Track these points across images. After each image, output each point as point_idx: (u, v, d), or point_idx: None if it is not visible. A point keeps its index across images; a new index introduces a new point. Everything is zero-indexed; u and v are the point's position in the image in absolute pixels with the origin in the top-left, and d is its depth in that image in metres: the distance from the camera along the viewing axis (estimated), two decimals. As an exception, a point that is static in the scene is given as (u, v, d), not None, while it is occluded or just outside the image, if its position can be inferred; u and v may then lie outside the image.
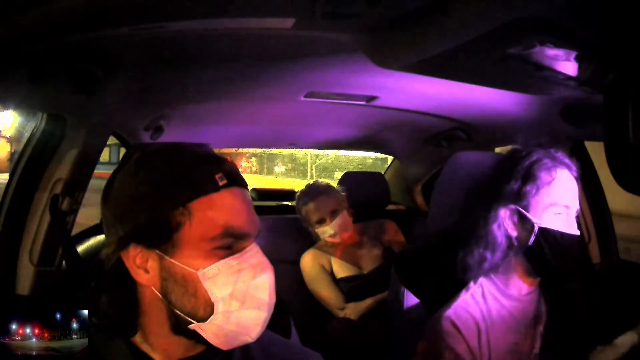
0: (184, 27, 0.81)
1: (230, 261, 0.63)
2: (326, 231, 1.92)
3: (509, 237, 1.00)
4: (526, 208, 0.98)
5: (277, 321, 0.89)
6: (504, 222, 0.99)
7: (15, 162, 1.17)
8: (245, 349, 0.72)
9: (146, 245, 0.63)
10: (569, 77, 0.88)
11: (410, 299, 1.22)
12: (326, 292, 1.92)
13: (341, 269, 1.97)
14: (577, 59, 0.79)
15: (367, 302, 1.84)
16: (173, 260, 0.62)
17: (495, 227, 1.00)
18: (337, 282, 1.95)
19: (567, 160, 1.01)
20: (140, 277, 0.64)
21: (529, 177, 0.98)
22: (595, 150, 1.51)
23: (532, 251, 0.98)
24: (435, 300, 1.06)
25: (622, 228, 1.67)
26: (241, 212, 0.65)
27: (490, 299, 1.01)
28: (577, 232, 0.98)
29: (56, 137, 1.15)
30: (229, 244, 0.63)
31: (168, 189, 0.62)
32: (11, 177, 1.14)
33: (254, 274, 0.64)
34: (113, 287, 0.65)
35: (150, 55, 1.05)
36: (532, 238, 0.97)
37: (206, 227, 0.62)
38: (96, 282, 0.66)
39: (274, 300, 0.66)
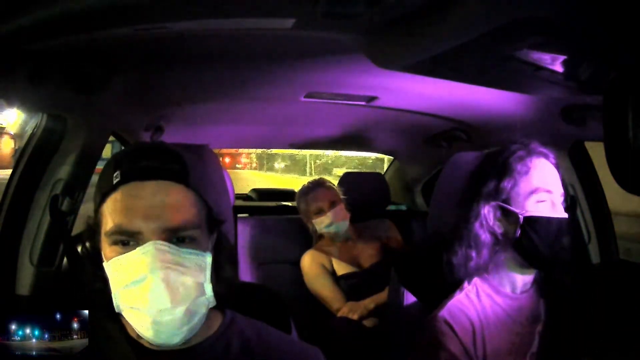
0: (184, 27, 0.81)
1: (116, 259, 0.64)
2: (324, 221, 1.96)
3: (493, 234, 1.00)
4: (507, 202, 0.98)
5: (277, 320, 0.89)
6: (487, 220, 0.99)
7: (16, 162, 1.17)
8: (244, 342, 0.72)
9: (92, 241, 0.69)
10: (569, 78, 0.88)
11: (410, 299, 1.22)
12: (325, 291, 1.92)
13: (341, 267, 1.97)
14: (577, 59, 0.80)
15: (366, 301, 1.84)
16: (102, 254, 0.67)
17: (477, 225, 1.00)
18: (337, 279, 1.95)
19: (542, 149, 1.01)
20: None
21: (505, 171, 0.99)
22: (595, 151, 1.51)
23: (520, 243, 0.97)
24: (434, 300, 1.06)
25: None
26: (131, 210, 0.63)
27: (484, 298, 1.01)
28: (565, 215, 0.97)
29: (56, 137, 1.15)
30: (122, 240, 0.64)
31: (96, 190, 0.69)
32: (11, 176, 1.14)
33: (134, 276, 0.63)
34: (97, 273, 0.69)
35: (151, 56, 1.05)
36: (519, 230, 0.97)
37: (105, 225, 0.65)
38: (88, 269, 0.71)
39: (161, 307, 0.62)
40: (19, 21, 0.66)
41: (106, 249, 0.66)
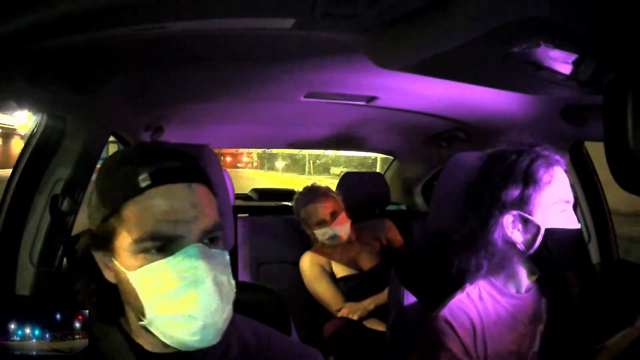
0: (184, 27, 0.81)
1: (155, 265, 0.61)
2: (327, 232, 1.93)
3: (511, 243, 0.98)
4: (530, 212, 0.96)
5: (277, 320, 0.89)
6: (506, 229, 0.97)
7: (16, 162, 1.17)
8: (245, 343, 0.72)
9: (99, 249, 0.65)
10: (569, 78, 0.88)
11: (410, 299, 1.22)
12: (325, 293, 1.92)
13: (340, 269, 1.97)
14: (577, 59, 0.79)
15: (366, 301, 1.84)
16: (116, 262, 0.64)
17: (495, 234, 0.98)
18: (336, 281, 1.95)
19: (557, 157, 1.00)
20: (107, 275, 0.66)
21: (529, 179, 0.96)
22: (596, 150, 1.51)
23: (539, 253, 0.97)
24: (434, 300, 1.06)
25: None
26: (169, 213, 0.61)
27: (486, 298, 1.01)
28: (578, 225, 0.98)
29: (56, 137, 1.15)
30: (157, 246, 0.61)
31: (104, 195, 0.64)
32: (11, 176, 1.14)
33: (181, 279, 0.60)
34: (92, 280, 0.67)
35: (151, 56, 1.05)
36: (538, 240, 0.96)
37: (134, 230, 0.61)
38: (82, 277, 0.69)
39: (212, 308, 0.61)
40: (19, 21, 0.66)
41: (130, 258, 0.62)
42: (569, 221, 0.97)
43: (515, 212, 0.97)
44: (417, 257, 1.31)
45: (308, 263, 1.98)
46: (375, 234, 2.08)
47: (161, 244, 0.61)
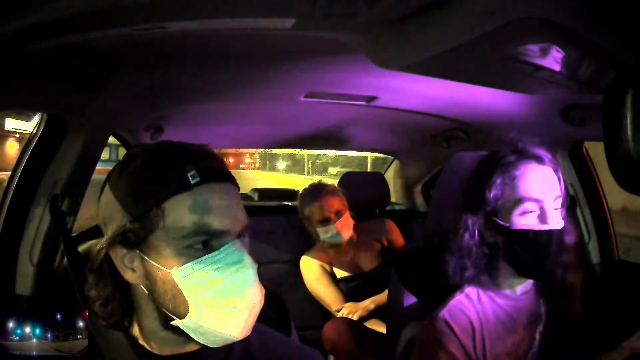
0: (184, 27, 0.81)
1: (204, 259, 0.62)
2: (330, 230, 1.92)
3: (483, 245, 0.98)
4: (495, 212, 0.95)
5: (277, 321, 0.89)
6: (475, 230, 0.97)
7: (16, 162, 1.17)
8: (246, 344, 0.72)
9: (128, 246, 0.64)
10: (569, 78, 0.88)
11: (410, 299, 1.22)
12: (325, 293, 1.92)
13: (341, 269, 1.97)
14: (577, 59, 0.79)
15: (366, 302, 1.84)
16: (151, 261, 0.63)
17: (467, 236, 0.98)
18: (337, 282, 1.95)
19: (536, 152, 0.96)
20: (128, 275, 0.65)
21: (489, 180, 0.95)
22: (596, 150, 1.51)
23: (508, 254, 0.96)
24: (434, 301, 1.06)
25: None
26: (216, 209, 0.63)
27: (485, 299, 1.01)
28: (551, 227, 0.92)
29: (56, 137, 1.15)
30: (203, 242, 0.62)
31: (142, 190, 0.63)
32: (11, 176, 1.14)
33: (230, 272, 0.63)
34: (106, 284, 0.67)
35: (151, 55, 1.05)
36: (507, 242, 0.94)
37: (178, 226, 0.62)
38: (90, 278, 0.67)
39: (257, 299, 0.65)
40: (19, 21, 0.66)
41: (171, 254, 0.62)
42: (539, 221, 0.93)
43: (480, 214, 0.97)
44: (417, 257, 1.31)
45: (308, 263, 1.98)
46: (376, 235, 2.08)
47: (205, 240, 0.62)
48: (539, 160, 0.96)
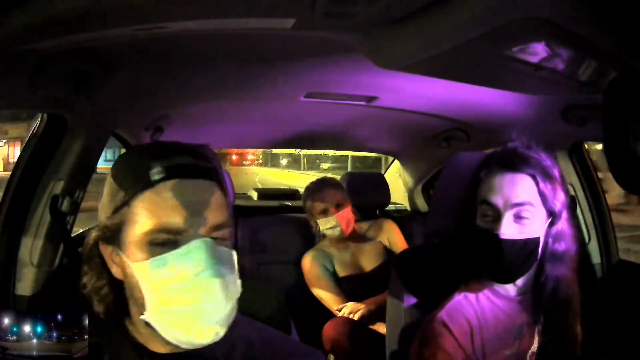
0: (184, 27, 0.81)
1: (159, 259, 0.61)
2: (329, 221, 1.94)
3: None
4: (474, 213, 0.98)
5: (278, 320, 0.89)
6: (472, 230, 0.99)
7: (16, 162, 1.17)
8: (248, 344, 0.72)
9: (106, 242, 0.66)
10: (569, 78, 0.88)
11: (410, 299, 1.22)
12: (326, 292, 1.92)
13: (342, 269, 1.97)
14: (577, 59, 0.80)
15: (367, 302, 1.84)
16: (122, 256, 0.64)
17: (464, 235, 1.00)
18: (338, 281, 1.95)
19: (514, 160, 0.95)
20: (114, 270, 0.67)
21: (473, 181, 0.99)
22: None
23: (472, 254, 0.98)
24: (434, 301, 1.06)
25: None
26: (176, 207, 0.62)
27: (483, 299, 1.01)
28: (501, 234, 0.92)
29: (56, 137, 1.15)
30: (165, 239, 0.62)
31: (116, 188, 0.65)
32: (11, 176, 1.14)
33: (187, 271, 0.60)
34: (98, 277, 0.68)
35: (151, 55, 1.05)
36: (478, 241, 0.97)
37: (141, 224, 0.62)
38: (84, 271, 0.69)
39: (216, 306, 0.61)
40: (18, 21, 0.66)
41: (137, 250, 0.62)
42: (493, 225, 0.93)
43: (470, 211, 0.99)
44: (417, 257, 1.31)
45: (310, 262, 1.98)
46: (377, 235, 2.08)
47: (169, 237, 0.62)
48: (509, 166, 0.95)
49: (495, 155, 0.99)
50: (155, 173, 0.63)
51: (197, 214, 0.62)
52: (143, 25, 0.77)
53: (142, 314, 0.63)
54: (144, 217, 0.62)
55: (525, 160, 0.95)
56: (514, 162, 0.95)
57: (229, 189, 1.10)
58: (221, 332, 0.62)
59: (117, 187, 0.65)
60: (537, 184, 0.93)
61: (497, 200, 0.93)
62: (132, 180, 0.64)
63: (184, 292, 0.60)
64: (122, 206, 0.64)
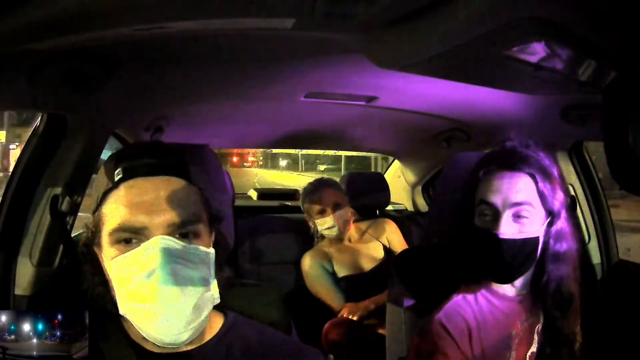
0: (184, 27, 0.81)
1: (123, 257, 0.63)
2: (326, 222, 1.94)
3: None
4: (472, 213, 0.98)
5: (278, 320, 0.89)
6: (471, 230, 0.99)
7: (16, 162, 1.17)
8: (246, 343, 0.72)
9: (92, 242, 0.68)
10: (569, 78, 0.88)
11: (410, 299, 1.22)
12: (326, 292, 1.92)
13: (342, 269, 1.97)
14: (577, 59, 0.80)
15: (367, 302, 1.84)
16: (100, 254, 0.67)
17: (464, 235, 1.00)
18: (337, 281, 1.95)
19: (512, 158, 0.95)
20: (105, 269, 0.68)
21: (470, 181, 0.99)
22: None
23: (471, 254, 0.98)
24: (433, 301, 1.06)
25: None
26: (135, 206, 0.63)
27: (482, 300, 1.01)
28: (500, 233, 0.91)
29: (56, 137, 1.15)
30: (127, 238, 0.63)
31: (95, 190, 0.69)
32: (11, 176, 1.14)
33: (142, 270, 0.61)
34: (94, 274, 0.69)
35: (151, 55, 1.05)
36: (475, 241, 0.96)
37: (107, 223, 0.64)
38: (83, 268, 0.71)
39: (172, 300, 0.61)
40: (18, 21, 0.66)
41: (108, 249, 0.64)
42: (492, 225, 0.93)
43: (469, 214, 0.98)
44: (416, 257, 1.31)
45: (309, 262, 1.98)
46: (377, 235, 2.08)
47: (130, 236, 0.63)
48: (508, 165, 0.94)
49: (493, 155, 0.99)
50: (117, 174, 0.66)
51: (157, 211, 0.62)
52: (143, 25, 0.77)
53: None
54: (109, 216, 0.64)
55: (524, 159, 0.94)
56: (512, 162, 0.94)
57: (229, 189, 1.10)
58: (184, 333, 0.62)
59: (94, 190, 0.69)
60: (536, 183, 0.93)
61: (496, 199, 0.93)
62: (103, 183, 0.68)
63: (142, 291, 0.61)
64: (97, 208, 0.67)
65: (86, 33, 0.78)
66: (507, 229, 0.92)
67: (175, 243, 0.62)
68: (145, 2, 0.70)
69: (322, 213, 1.96)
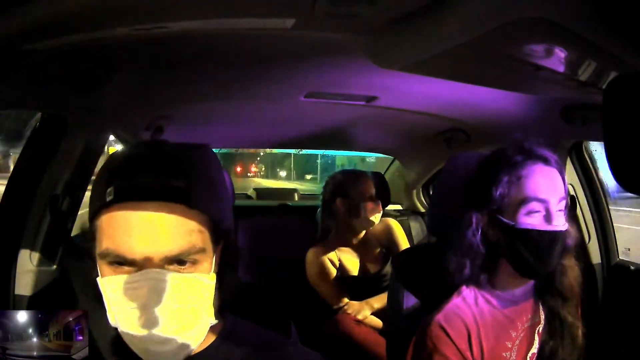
0: (184, 27, 0.81)
1: (114, 278, 0.59)
2: (375, 209, 1.94)
3: (486, 243, 0.98)
4: (499, 211, 0.95)
5: (278, 322, 0.89)
6: (478, 228, 0.97)
7: (16, 162, 1.17)
8: (245, 348, 0.71)
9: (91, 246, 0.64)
10: (569, 78, 0.88)
11: (410, 300, 1.22)
12: (327, 288, 1.92)
13: (345, 267, 1.97)
14: (577, 59, 0.80)
15: (371, 300, 1.85)
16: (98, 268, 0.62)
17: (469, 233, 0.97)
18: (340, 279, 1.95)
19: (540, 152, 0.95)
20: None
21: (495, 178, 0.95)
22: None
23: (511, 254, 0.95)
24: (434, 300, 1.06)
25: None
26: (125, 235, 0.57)
27: (482, 302, 1.00)
28: (560, 227, 0.93)
29: (56, 137, 1.15)
30: (115, 261, 0.59)
31: (90, 199, 0.63)
32: (12, 176, 1.14)
33: (132, 301, 0.58)
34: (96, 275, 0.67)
35: (151, 55, 1.05)
36: (510, 241, 0.94)
37: (99, 241, 0.60)
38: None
39: (155, 336, 0.59)
40: (18, 21, 0.66)
41: (100, 263, 0.61)
42: (544, 222, 0.92)
43: (485, 211, 0.97)
44: (416, 257, 1.31)
45: (315, 256, 1.97)
46: (378, 235, 2.08)
47: (119, 260, 0.59)
48: (546, 161, 0.95)
49: (524, 151, 0.96)
50: (108, 193, 0.58)
51: (150, 243, 0.57)
52: (143, 25, 0.77)
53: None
54: (100, 235, 0.60)
55: (551, 155, 0.96)
56: (545, 157, 0.95)
57: (229, 190, 1.10)
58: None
59: (90, 198, 0.63)
60: (563, 177, 0.96)
61: (547, 195, 0.93)
62: (95, 197, 0.61)
63: (131, 318, 0.59)
64: (92, 219, 0.62)
65: (86, 33, 0.78)
66: (559, 222, 0.93)
67: (167, 277, 0.58)
68: (145, 2, 0.70)
69: (371, 200, 1.94)
